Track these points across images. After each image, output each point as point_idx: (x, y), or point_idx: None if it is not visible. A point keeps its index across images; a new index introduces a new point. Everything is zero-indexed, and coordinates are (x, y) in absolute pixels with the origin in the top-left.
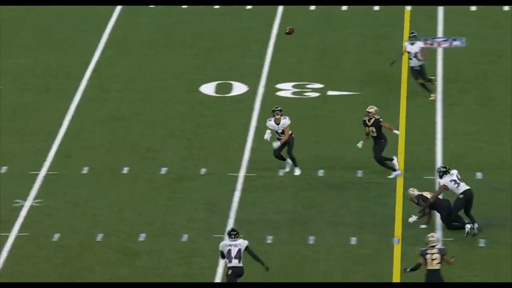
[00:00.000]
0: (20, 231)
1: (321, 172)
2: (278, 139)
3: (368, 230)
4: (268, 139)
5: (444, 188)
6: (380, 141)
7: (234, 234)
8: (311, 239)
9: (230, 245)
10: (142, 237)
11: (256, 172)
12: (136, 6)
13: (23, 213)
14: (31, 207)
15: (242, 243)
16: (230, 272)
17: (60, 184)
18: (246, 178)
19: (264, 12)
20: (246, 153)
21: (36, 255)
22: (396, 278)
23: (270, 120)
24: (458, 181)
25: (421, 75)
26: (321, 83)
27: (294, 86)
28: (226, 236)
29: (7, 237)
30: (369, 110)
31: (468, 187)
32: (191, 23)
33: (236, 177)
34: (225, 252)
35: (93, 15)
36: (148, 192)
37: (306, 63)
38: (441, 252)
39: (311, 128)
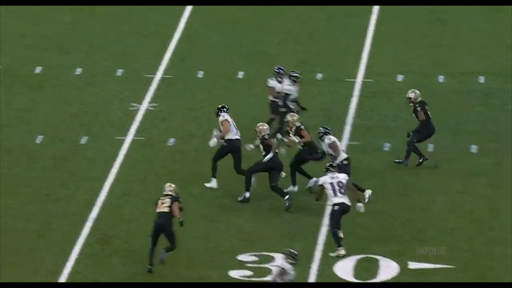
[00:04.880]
0: (135, 135)
1: (441, 78)
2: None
3: (490, 138)
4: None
5: None
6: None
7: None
8: (430, 147)
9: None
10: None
11: (373, 78)
12: None
13: (139, 117)
14: (147, 111)
15: (342, 177)
16: (336, 208)
17: (175, 87)
18: (363, 83)
19: None
20: (363, 59)
21: (152, 160)
22: None
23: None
24: None
25: None
26: None
27: None
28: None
29: (123, 141)
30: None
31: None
32: None
33: (353, 83)
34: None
35: None
36: (264, 97)
37: None
38: None
39: (429, 32)
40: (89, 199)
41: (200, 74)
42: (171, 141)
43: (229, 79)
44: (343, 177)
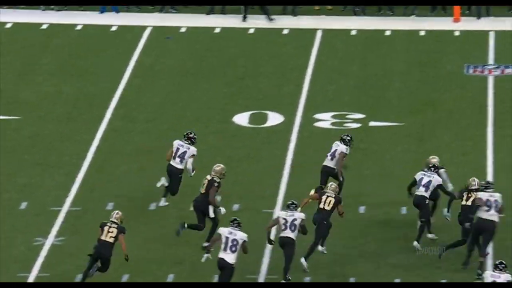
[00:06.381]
0: (40, 271)
1: (362, 209)
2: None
3: (413, 272)
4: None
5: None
6: None
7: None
8: (352, 280)
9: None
10: (170, 277)
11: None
12: (165, 30)
13: (44, 252)
14: (53, 245)
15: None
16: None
17: (84, 220)
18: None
19: (301, 37)
20: (282, 188)
21: None
22: None
23: None
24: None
25: None
26: (362, 113)
27: (333, 116)
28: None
29: (26, 278)
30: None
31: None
32: (223, 48)
33: (272, 214)
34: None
35: (119, 40)
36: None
37: (346, 91)
38: None
39: (351, 161)
40: None
41: (110, 206)
42: (78, 277)
43: (141, 210)
44: (240, 236)
